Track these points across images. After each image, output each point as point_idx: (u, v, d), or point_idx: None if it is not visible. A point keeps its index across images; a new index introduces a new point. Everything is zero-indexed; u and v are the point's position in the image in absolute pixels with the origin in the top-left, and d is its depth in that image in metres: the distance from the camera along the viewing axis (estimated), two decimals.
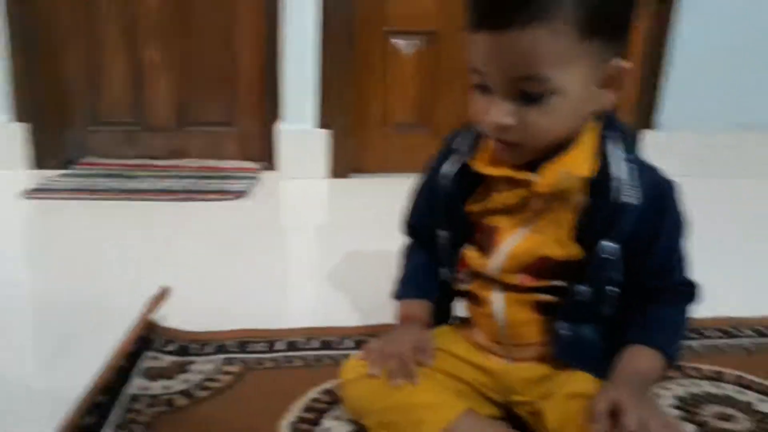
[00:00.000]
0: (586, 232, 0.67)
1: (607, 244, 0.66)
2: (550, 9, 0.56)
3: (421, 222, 0.84)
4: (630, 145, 0.67)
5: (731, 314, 1.04)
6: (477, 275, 0.74)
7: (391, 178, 2.01)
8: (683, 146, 2.02)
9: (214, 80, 2.04)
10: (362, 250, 1.36)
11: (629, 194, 0.64)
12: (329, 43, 1.89)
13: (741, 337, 0.98)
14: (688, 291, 0.73)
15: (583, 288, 0.68)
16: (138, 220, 1.55)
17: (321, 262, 1.34)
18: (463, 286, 0.76)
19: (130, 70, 2.00)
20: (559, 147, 0.66)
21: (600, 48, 0.60)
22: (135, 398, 0.80)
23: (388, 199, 1.82)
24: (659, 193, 0.67)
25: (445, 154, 0.76)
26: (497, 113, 0.62)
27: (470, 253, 0.74)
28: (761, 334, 0.99)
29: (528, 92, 0.60)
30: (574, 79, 0.60)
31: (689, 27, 1.95)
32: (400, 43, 1.96)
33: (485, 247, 0.73)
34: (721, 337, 0.98)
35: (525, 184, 0.67)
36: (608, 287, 0.69)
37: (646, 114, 2.04)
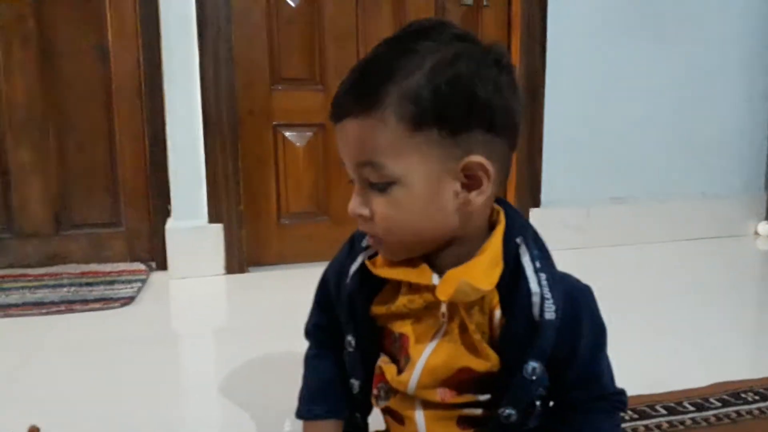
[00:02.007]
0: (505, 349, 0.63)
1: (531, 365, 0.62)
2: (376, 101, 0.58)
3: (325, 324, 0.78)
4: (539, 250, 0.64)
5: (641, 392, 1.05)
6: (396, 391, 0.68)
7: (292, 270, 1.95)
8: (565, 221, 2.15)
9: (94, 178, 1.92)
10: (265, 355, 1.27)
11: (549, 310, 0.61)
12: (215, 137, 1.85)
13: (655, 416, 0.98)
14: (616, 400, 0.70)
15: (508, 411, 0.63)
16: (1, 343, 1.37)
17: (219, 375, 1.24)
18: (381, 403, 0.70)
19: None
20: (459, 249, 0.63)
21: (440, 143, 0.59)
22: None
23: (289, 292, 1.76)
24: (574, 304, 0.64)
25: (348, 250, 0.72)
26: (353, 203, 0.63)
27: (385, 366, 0.69)
28: (673, 412, 1.00)
29: (370, 180, 0.61)
30: (414, 171, 0.59)
31: (555, 118, 2.12)
32: (290, 135, 1.95)
33: (397, 358, 0.68)
34: (636, 419, 0.98)
35: (428, 288, 0.63)
36: (535, 404, 0.66)
37: (530, 193, 2.14)
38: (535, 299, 0.61)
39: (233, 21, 1.83)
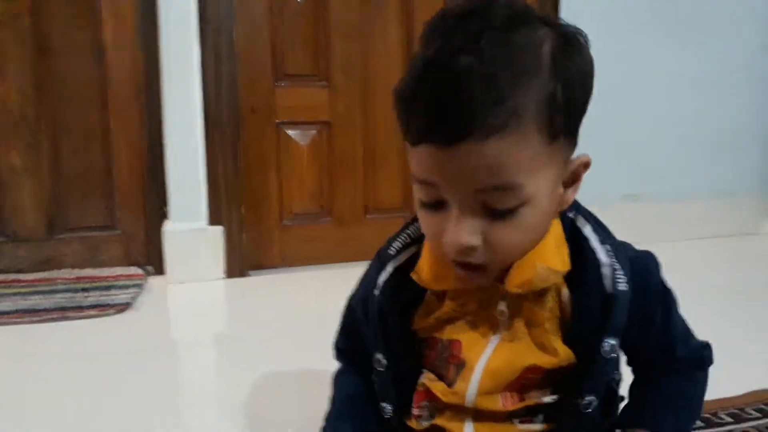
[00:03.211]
0: (577, 332, 0.57)
1: (609, 342, 0.57)
2: (512, 116, 0.48)
3: (353, 344, 0.70)
4: (595, 222, 0.60)
5: None
6: (443, 407, 0.61)
7: (295, 273, 1.88)
8: None
9: (89, 179, 1.85)
10: (266, 363, 1.19)
11: (621, 281, 0.56)
12: (215, 135, 1.79)
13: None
14: (697, 357, 0.66)
15: (589, 398, 0.57)
16: None
17: (219, 384, 1.17)
18: (424, 424, 0.62)
19: None
20: None
21: (565, 147, 0.54)
22: None
23: (292, 297, 1.70)
24: (641, 271, 0.60)
25: (379, 263, 0.64)
26: (460, 233, 0.51)
27: (431, 384, 0.61)
28: (710, 423, 0.93)
29: (495, 206, 0.51)
30: (544, 184, 0.52)
31: None
32: (294, 133, 1.89)
33: (443, 372, 0.61)
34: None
35: (493, 286, 0.57)
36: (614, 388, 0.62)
37: None
38: (605, 270, 0.57)
39: (235, 15, 1.77)
